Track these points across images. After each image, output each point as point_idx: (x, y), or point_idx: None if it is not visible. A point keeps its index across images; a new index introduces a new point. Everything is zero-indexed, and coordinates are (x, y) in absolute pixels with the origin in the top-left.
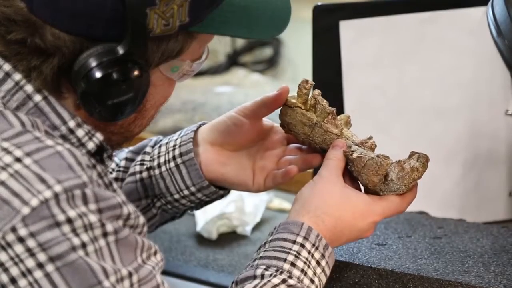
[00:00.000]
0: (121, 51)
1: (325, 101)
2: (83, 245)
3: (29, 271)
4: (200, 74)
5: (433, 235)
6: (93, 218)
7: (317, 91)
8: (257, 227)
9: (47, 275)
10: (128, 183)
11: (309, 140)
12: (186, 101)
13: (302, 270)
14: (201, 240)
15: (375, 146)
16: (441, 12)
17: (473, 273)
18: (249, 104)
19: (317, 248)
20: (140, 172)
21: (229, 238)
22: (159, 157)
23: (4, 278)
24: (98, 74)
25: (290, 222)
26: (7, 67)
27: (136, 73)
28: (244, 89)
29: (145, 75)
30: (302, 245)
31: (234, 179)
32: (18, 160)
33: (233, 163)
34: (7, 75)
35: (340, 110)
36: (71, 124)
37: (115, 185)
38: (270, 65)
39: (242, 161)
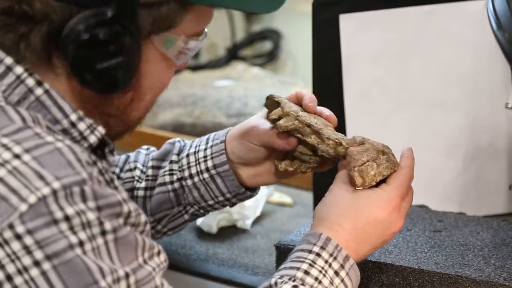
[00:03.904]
0: (109, 13)
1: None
2: (81, 243)
3: (25, 269)
4: (200, 68)
5: (433, 229)
6: (91, 216)
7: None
8: (257, 221)
9: (43, 273)
10: (160, 193)
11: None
12: (186, 95)
13: (316, 279)
14: (201, 234)
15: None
16: (441, 6)
17: (473, 266)
18: (257, 136)
19: (335, 258)
20: (171, 182)
21: (229, 232)
22: (189, 167)
23: (0, 275)
24: (85, 36)
25: (309, 233)
26: (8, 60)
27: (125, 36)
28: (244, 82)
29: (135, 41)
30: (318, 254)
31: (266, 183)
32: (17, 156)
33: (264, 171)
34: (9, 69)
35: (340, 103)
36: (73, 117)
37: (116, 182)
38: (270, 58)
39: (272, 166)
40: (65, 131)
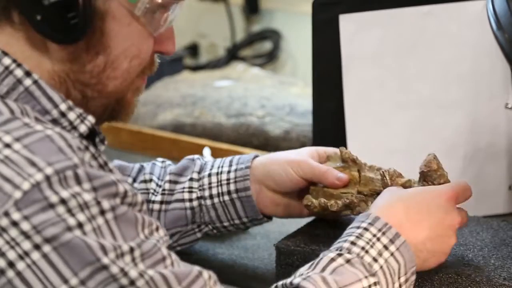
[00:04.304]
0: None
1: (334, 204)
2: (80, 225)
3: (26, 253)
4: (200, 68)
5: None
6: (87, 196)
7: (322, 202)
8: None
9: (45, 256)
10: (176, 209)
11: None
12: (186, 95)
13: (363, 248)
14: None
15: (394, 173)
16: (441, 6)
17: (473, 266)
18: (306, 169)
19: (384, 233)
20: (190, 200)
21: (229, 232)
22: (210, 187)
23: (1, 263)
24: None
25: (361, 215)
26: None
27: None
28: (244, 83)
29: None
30: (366, 229)
31: (284, 215)
32: (7, 145)
33: (285, 203)
34: None
35: (340, 103)
36: (63, 107)
37: (110, 165)
38: (269, 59)
39: (292, 200)
40: (54, 121)
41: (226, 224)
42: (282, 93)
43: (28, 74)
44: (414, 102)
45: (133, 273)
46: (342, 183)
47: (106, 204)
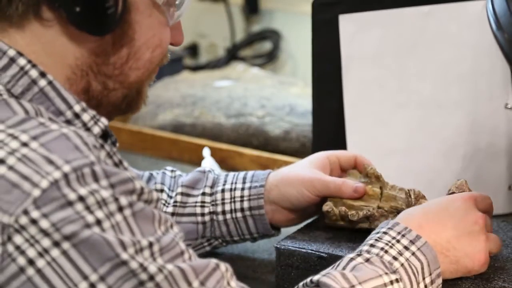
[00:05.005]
0: None
1: (355, 214)
2: (98, 222)
3: (46, 251)
4: (199, 68)
5: None
6: (105, 193)
7: (342, 210)
8: None
9: (64, 253)
10: (189, 223)
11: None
12: (186, 95)
13: (382, 249)
14: None
15: (419, 194)
16: (441, 6)
17: None
18: (322, 187)
19: (403, 236)
20: (202, 214)
21: None
22: (223, 203)
23: (21, 261)
24: None
25: (380, 224)
26: (11, 52)
27: None
28: (244, 83)
29: None
30: (385, 233)
31: (297, 223)
32: (24, 144)
33: (299, 215)
34: (12, 60)
35: (340, 103)
36: (77, 108)
37: (125, 163)
38: (269, 59)
39: (308, 210)
40: (68, 123)
41: (236, 238)
42: (282, 93)
43: (43, 74)
44: (414, 102)
45: (152, 268)
46: (359, 194)
47: (124, 201)
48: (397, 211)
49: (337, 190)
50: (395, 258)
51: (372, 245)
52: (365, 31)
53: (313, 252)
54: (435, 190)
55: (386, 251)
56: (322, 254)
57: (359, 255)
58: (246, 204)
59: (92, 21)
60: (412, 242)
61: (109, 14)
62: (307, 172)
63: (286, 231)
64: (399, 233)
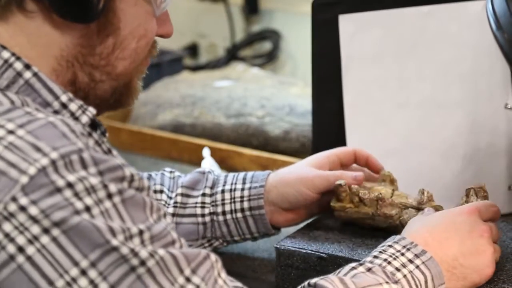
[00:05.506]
0: None
1: (366, 193)
2: (87, 209)
3: (36, 238)
4: (199, 68)
5: None
6: (94, 180)
7: (354, 188)
8: None
9: (54, 239)
10: (189, 224)
11: (375, 227)
12: (185, 96)
13: (385, 260)
14: None
15: (431, 195)
16: (441, 6)
17: None
18: (320, 183)
19: (408, 249)
20: (202, 215)
21: None
22: (223, 204)
23: (11, 249)
24: None
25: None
26: None
27: None
28: (244, 83)
29: None
30: (390, 246)
31: (298, 223)
32: (11, 132)
33: (299, 216)
34: None
35: (340, 104)
36: (64, 98)
37: (114, 152)
38: (269, 59)
39: (307, 210)
40: (56, 113)
41: (236, 238)
42: (282, 93)
43: (27, 66)
44: (414, 102)
45: (143, 253)
46: (359, 182)
47: (113, 188)
48: (406, 207)
49: (335, 178)
50: (397, 269)
51: (375, 256)
52: (365, 31)
53: (313, 252)
54: (435, 190)
55: (389, 262)
56: (322, 254)
57: (361, 264)
58: (246, 205)
59: (75, 8)
60: (417, 256)
61: (93, 1)
62: (305, 171)
63: (286, 231)
64: (404, 246)
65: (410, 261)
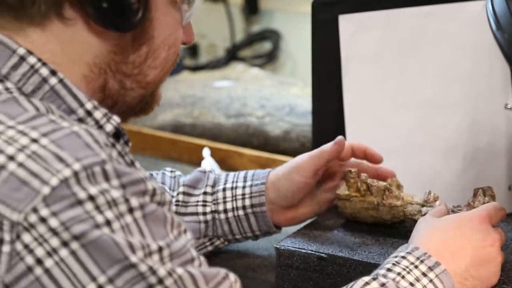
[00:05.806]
0: None
1: (375, 181)
2: (108, 222)
3: (55, 250)
4: (199, 68)
5: None
6: (115, 193)
7: (363, 176)
8: None
9: (73, 253)
10: (191, 222)
11: (378, 220)
12: (185, 96)
13: (399, 274)
14: None
15: (438, 197)
16: (441, 6)
17: None
18: (308, 165)
19: (422, 261)
20: (204, 213)
21: None
22: (225, 202)
23: (30, 260)
24: None
25: (399, 247)
26: (21, 51)
27: None
28: (244, 83)
29: None
30: (404, 257)
31: (299, 223)
32: (34, 141)
33: (299, 214)
34: (22, 59)
35: (340, 104)
36: (89, 106)
37: (137, 164)
38: (269, 59)
39: (306, 208)
40: (80, 121)
41: (238, 237)
42: (282, 93)
43: (53, 73)
44: (414, 102)
45: (161, 272)
46: (340, 145)
47: (134, 202)
48: (410, 203)
49: (319, 153)
50: (412, 285)
51: (389, 269)
52: (365, 31)
53: (313, 252)
54: (435, 190)
55: (403, 276)
56: (322, 254)
57: (374, 279)
58: (247, 202)
59: (116, 17)
60: (430, 268)
61: (134, 10)
62: (294, 159)
63: (286, 231)
64: (418, 258)
65: (424, 274)
